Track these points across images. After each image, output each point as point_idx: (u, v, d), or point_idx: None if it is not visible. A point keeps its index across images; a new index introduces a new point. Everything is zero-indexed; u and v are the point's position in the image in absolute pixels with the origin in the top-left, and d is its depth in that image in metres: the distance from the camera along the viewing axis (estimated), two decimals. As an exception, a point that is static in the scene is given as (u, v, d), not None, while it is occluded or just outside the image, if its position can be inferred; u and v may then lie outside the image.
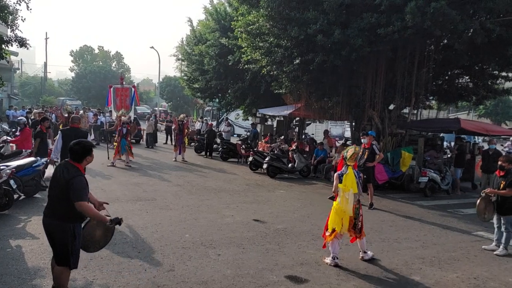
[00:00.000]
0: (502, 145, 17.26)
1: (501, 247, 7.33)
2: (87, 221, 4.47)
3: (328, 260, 6.39)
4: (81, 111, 23.11)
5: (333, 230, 6.33)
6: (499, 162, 7.53)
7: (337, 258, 6.33)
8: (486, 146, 13.63)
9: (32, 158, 9.57)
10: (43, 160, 9.77)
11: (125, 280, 5.31)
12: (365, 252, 6.65)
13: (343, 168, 6.57)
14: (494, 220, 7.53)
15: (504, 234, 7.34)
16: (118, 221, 4.40)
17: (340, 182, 6.42)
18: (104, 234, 4.70)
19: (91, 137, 19.72)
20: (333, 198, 6.67)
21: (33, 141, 10.77)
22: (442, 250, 7.33)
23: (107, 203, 4.93)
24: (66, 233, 4.29)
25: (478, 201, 7.61)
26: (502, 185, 7.32)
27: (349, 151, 6.58)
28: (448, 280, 5.99)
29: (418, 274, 6.13)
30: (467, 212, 10.41)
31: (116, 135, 15.63)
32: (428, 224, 9.15)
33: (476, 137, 19.10)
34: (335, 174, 6.71)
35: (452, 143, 17.55)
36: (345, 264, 6.35)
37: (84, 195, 4.27)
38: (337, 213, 6.36)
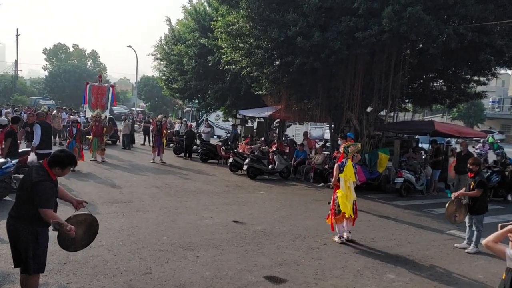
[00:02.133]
0: (474, 147, 17.75)
1: (472, 245, 7.60)
2: (66, 220, 4.31)
3: (336, 238, 7.62)
4: (55, 111, 22.54)
5: (339, 212, 7.47)
6: (468, 165, 7.81)
7: (343, 237, 7.56)
8: (459, 148, 14.02)
9: (1, 160, 9.17)
10: (13, 161, 9.38)
11: (100, 284, 5.22)
12: (350, 232, 7.70)
13: (343, 160, 7.66)
14: (466, 219, 7.79)
15: (475, 232, 7.61)
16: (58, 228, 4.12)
17: (341, 172, 7.49)
18: (87, 233, 4.61)
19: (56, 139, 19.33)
20: (329, 203, 7.77)
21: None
22: (417, 249, 7.54)
23: (86, 202, 4.82)
24: (28, 236, 4.15)
25: (447, 204, 7.78)
26: (471, 186, 7.59)
27: (352, 147, 7.73)
28: (422, 277, 6.17)
29: (393, 272, 6.29)
30: (440, 211, 10.66)
31: (91, 135, 15.61)
32: (404, 224, 9.38)
33: (449, 139, 19.57)
34: (336, 166, 7.77)
35: (425, 145, 18.01)
36: (323, 263, 6.46)
37: (48, 203, 4.11)
38: (345, 199, 7.38)
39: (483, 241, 3.40)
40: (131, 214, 8.59)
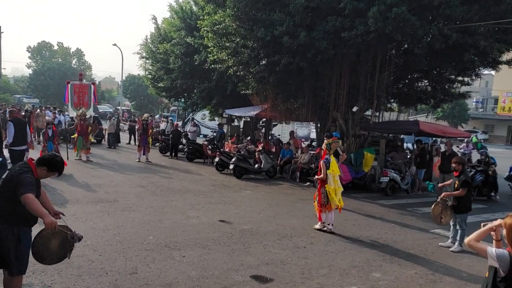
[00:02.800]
0: (458, 147, 18.01)
1: (456, 244, 7.69)
2: (41, 230, 4.16)
3: (330, 226, 8.26)
4: (38, 110, 22.18)
5: (326, 203, 8.18)
6: (452, 164, 7.90)
7: (333, 225, 8.25)
8: (443, 148, 14.22)
9: None
10: None
11: (85, 284, 5.16)
12: (332, 225, 8.29)
13: (327, 157, 8.29)
14: (451, 218, 7.88)
15: (459, 231, 7.70)
16: (76, 237, 4.21)
17: (328, 168, 8.16)
18: (62, 246, 4.36)
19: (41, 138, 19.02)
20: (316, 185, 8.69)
21: None
22: (402, 248, 7.59)
23: (63, 214, 4.61)
24: (10, 236, 4.06)
25: (433, 206, 7.85)
26: (456, 185, 7.68)
27: (333, 143, 8.46)
28: (407, 276, 6.22)
29: (379, 271, 6.33)
30: (425, 210, 10.79)
31: (76, 134, 15.47)
32: (389, 223, 9.45)
33: (434, 138, 19.83)
34: (322, 163, 8.33)
35: (410, 145, 18.20)
36: (309, 263, 6.46)
37: (30, 189, 3.96)
38: (334, 193, 8.13)
39: (465, 240, 3.43)
40: (116, 214, 8.51)
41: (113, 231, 7.31)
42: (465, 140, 19.42)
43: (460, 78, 14.81)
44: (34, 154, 12.82)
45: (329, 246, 7.37)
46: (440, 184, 8.88)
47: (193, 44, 18.93)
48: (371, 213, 10.29)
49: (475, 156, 16.07)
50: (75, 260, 5.79)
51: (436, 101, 15.70)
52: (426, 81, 15.25)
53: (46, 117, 11.74)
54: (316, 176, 8.68)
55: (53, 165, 4.28)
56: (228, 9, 12.91)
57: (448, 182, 8.31)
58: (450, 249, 7.66)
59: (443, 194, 7.84)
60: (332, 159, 8.29)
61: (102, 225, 7.60)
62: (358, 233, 8.36)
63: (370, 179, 13.50)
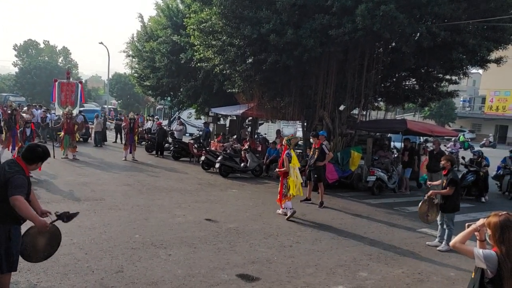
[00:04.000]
0: (445, 146, 18.13)
1: (443, 243, 7.65)
2: (28, 229, 4.20)
3: (280, 211, 9.25)
4: (25, 108, 21.84)
5: (286, 194, 9.06)
6: (441, 162, 7.87)
7: (292, 208, 8.99)
8: (431, 147, 14.25)
9: None
10: None
11: (71, 283, 5.11)
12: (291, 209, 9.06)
13: (287, 152, 9.16)
14: (438, 218, 7.85)
15: (446, 230, 7.67)
16: (68, 215, 4.30)
17: (290, 161, 9.03)
18: (49, 243, 4.44)
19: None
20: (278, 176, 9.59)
21: None
22: (389, 247, 7.54)
23: (50, 213, 4.61)
24: (1, 234, 4.05)
25: (420, 204, 7.84)
26: (444, 184, 7.66)
27: (293, 139, 9.57)
28: (394, 275, 6.17)
29: (366, 270, 6.27)
30: (412, 210, 10.77)
31: (63, 132, 15.38)
32: (376, 222, 9.41)
33: (425, 138, 19.92)
34: (284, 157, 9.15)
35: (397, 144, 18.25)
36: (296, 261, 6.38)
37: (21, 191, 4.00)
38: (294, 184, 8.98)
39: (450, 243, 3.36)
40: (102, 212, 8.45)
41: (100, 230, 7.25)
42: (453, 139, 19.56)
43: (447, 77, 14.82)
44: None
45: (316, 245, 7.30)
46: (428, 182, 8.89)
47: (179, 42, 18.81)
48: (357, 212, 10.24)
49: (467, 155, 16.14)
50: (61, 258, 5.73)
51: (424, 100, 15.73)
52: (413, 79, 15.28)
53: (25, 115, 11.33)
54: (277, 169, 9.71)
55: (42, 156, 4.32)
56: (214, 7, 12.80)
57: (437, 182, 8.29)
58: (437, 248, 7.62)
59: (430, 192, 7.81)
60: (293, 154, 9.26)
61: (88, 224, 7.53)
62: (345, 232, 8.30)
63: (357, 178, 13.47)
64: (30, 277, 5.17)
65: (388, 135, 17.04)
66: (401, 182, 13.71)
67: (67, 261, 5.72)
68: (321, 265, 6.34)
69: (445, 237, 7.66)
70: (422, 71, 14.30)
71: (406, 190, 13.77)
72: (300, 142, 18.03)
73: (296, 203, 10.63)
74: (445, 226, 7.71)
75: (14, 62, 66.38)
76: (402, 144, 14.41)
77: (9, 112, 14.99)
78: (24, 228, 4.21)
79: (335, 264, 6.40)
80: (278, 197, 9.38)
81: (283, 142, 9.73)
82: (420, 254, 7.26)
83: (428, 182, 8.88)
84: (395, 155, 15.21)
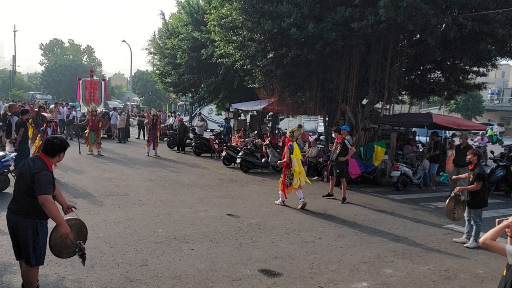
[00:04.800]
0: (472, 140, 17.62)
1: (471, 239, 7.43)
2: (55, 226, 4.28)
3: (300, 203, 9.41)
4: (52, 105, 22.38)
5: (290, 184, 9.43)
6: (467, 156, 7.63)
7: (304, 198, 9.41)
8: (458, 141, 13.85)
9: (0, 153, 9.42)
10: (12, 155, 9.71)
11: (97, 275, 5.20)
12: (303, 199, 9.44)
13: (290, 143, 9.50)
14: (465, 214, 7.62)
15: (474, 227, 7.44)
16: (81, 252, 4.42)
17: (291, 153, 9.38)
18: (76, 238, 4.53)
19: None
20: (281, 169, 9.85)
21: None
22: (414, 243, 7.37)
23: (75, 207, 4.74)
24: (28, 229, 4.18)
25: (447, 201, 7.65)
26: (471, 179, 7.42)
27: (296, 131, 9.95)
28: (420, 272, 6.02)
29: (390, 267, 6.14)
30: (438, 205, 10.56)
31: (88, 129, 15.82)
32: (400, 218, 9.22)
33: (452, 132, 19.37)
34: (286, 148, 9.50)
35: (422, 138, 17.83)
36: (318, 257, 6.30)
37: (48, 189, 4.12)
38: (299, 174, 9.38)
39: (480, 240, 3.23)
40: (127, 207, 8.59)
41: (124, 224, 7.37)
42: (480, 133, 19.00)
43: (475, 69, 14.32)
44: (72, 147, 12.91)
45: (338, 241, 7.19)
46: (454, 177, 8.65)
47: (200, 38, 18.87)
48: (381, 208, 10.06)
49: (496, 150, 15.65)
50: (87, 251, 5.77)
51: (450, 92, 15.27)
52: (439, 72, 14.85)
53: (47, 115, 11.52)
54: (279, 161, 10.20)
55: (59, 146, 4.38)
56: (235, 3, 12.78)
57: (463, 175, 8.06)
58: (465, 245, 7.40)
59: (457, 188, 7.59)
60: (295, 145, 9.56)
61: (113, 218, 7.67)
62: (368, 228, 8.16)
63: (380, 173, 13.23)
64: (58, 270, 5.28)
65: (413, 129, 16.67)
66: (430, 177, 13.39)
67: (93, 254, 5.82)
68: (344, 261, 6.24)
69: (473, 233, 7.44)
70: (448, 63, 13.89)
71: (432, 185, 13.47)
72: (321, 137, 17.91)
73: (318, 199, 10.61)
74: (472, 222, 7.49)
75: (40, 61, 68.10)
76: (428, 138, 14.07)
77: (36, 109, 15.41)
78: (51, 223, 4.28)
79: (358, 261, 6.29)
80: (281, 187, 9.65)
81: (287, 134, 10.11)
82: (447, 251, 7.07)
83: (453, 177, 8.61)
84: (420, 150, 14.87)
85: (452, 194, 7.61)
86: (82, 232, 4.66)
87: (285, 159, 9.55)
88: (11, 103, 16.34)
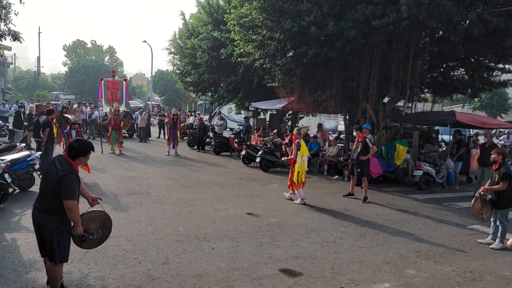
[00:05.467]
0: (497, 138, 17.19)
1: (497, 240, 7.24)
2: (80, 215, 4.38)
3: (297, 201, 9.66)
4: (75, 105, 22.89)
5: (296, 182, 9.55)
6: (492, 155, 7.44)
7: (304, 199, 9.61)
8: (482, 140, 13.54)
9: (26, 152, 9.66)
10: (37, 154, 9.92)
11: (120, 273, 5.28)
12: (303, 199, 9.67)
13: (297, 141, 9.71)
14: (491, 213, 7.44)
15: (500, 227, 7.26)
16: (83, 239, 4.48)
17: (299, 150, 9.60)
18: (100, 230, 4.62)
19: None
20: (289, 164, 10.20)
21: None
22: (437, 244, 7.24)
23: (100, 199, 4.85)
24: (53, 227, 4.28)
25: (473, 201, 7.48)
26: (496, 178, 7.24)
27: (303, 129, 10.18)
28: (444, 273, 5.91)
29: (413, 267, 6.04)
30: (462, 205, 10.35)
31: (110, 129, 16.12)
32: (423, 218, 9.07)
33: (476, 130, 18.94)
34: (294, 145, 9.72)
35: (445, 136, 17.49)
36: (340, 257, 6.26)
37: (75, 194, 4.23)
38: (303, 171, 9.59)
39: (508, 242, 3.14)
40: (148, 205, 8.71)
41: (146, 222, 7.46)
42: (506, 131, 18.50)
43: (500, 66, 13.94)
44: (95, 146, 13.07)
45: (360, 241, 7.13)
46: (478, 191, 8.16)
47: (219, 38, 18.98)
48: (404, 208, 9.92)
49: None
50: (110, 249, 5.97)
51: (474, 90, 14.89)
52: (462, 69, 14.50)
53: (71, 116, 11.78)
54: (285, 158, 10.54)
55: (84, 149, 4.43)
56: (254, 2, 12.79)
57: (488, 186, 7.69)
58: (490, 246, 7.22)
59: (481, 188, 7.42)
60: (302, 142, 9.81)
61: (135, 216, 7.78)
62: (390, 228, 8.05)
63: (402, 172, 13.04)
64: (81, 267, 5.38)
65: (436, 128, 16.36)
66: (455, 177, 13.14)
67: (116, 252, 5.93)
68: (366, 261, 6.18)
69: (499, 234, 7.25)
70: (472, 60, 13.55)
71: (456, 185, 13.20)
72: (342, 136, 17.76)
73: (339, 198, 10.55)
74: (498, 223, 7.30)
75: (63, 61, 69.43)
76: (451, 137, 13.77)
77: (60, 109, 15.78)
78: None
79: (381, 261, 6.22)
80: (289, 183, 9.89)
81: (294, 132, 10.30)
82: (472, 252, 6.92)
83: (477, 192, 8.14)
84: (443, 148, 14.59)
85: (477, 194, 7.43)
86: (106, 224, 4.71)
87: (292, 156, 9.80)
88: (37, 103, 16.78)
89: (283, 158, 10.43)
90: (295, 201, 9.77)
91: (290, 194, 9.99)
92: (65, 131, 11.93)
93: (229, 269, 5.60)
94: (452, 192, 12.48)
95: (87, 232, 4.47)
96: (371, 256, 6.41)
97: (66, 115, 12.36)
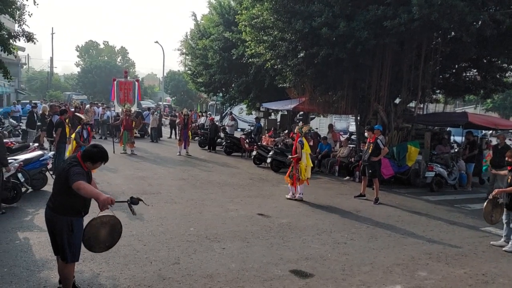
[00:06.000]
0: (510, 140, 16.98)
1: (510, 243, 7.18)
2: (91, 220, 4.42)
3: (295, 195, 10.10)
4: (87, 106, 23.18)
5: (297, 178, 9.99)
6: (506, 157, 7.38)
7: (302, 194, 10.07)
8: (495, 141, 13.40)
9: (39, 152, 9.79)
10: (50, 154, 10.09)
11: (131, 273, 5.33)
12: (301, 194, 10.10)
13: (300, 139, 10.06)
14: (503, 216, 7.38)
15: (513, 229, 7.20)
16: (135, 201, 4.60)
17: (302, 148, 9.97)
18: (110, 234, 4.62)
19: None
20: (291, 162, 10.32)
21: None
22: (449, 246, 7.21)
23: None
24: (63, 226, 4.32)
25: (485, 203, 7.45)
26: (509, 180, 7.18)
27: (304, 127, 10.52)
28: (456, 276, 5.88)
29: (425, 269, 6.03)
30: (475, 207, 10.26)
31: (122, 129, 16.27)
32: (435, 219, 9.02)
33: (484, 132, 18.77)
34: (298, 144, 10.02)
35: (457, 138, 17.33)
36: (351, 259, 6.27)
37: (78, 176, 4.11)
38: (305, 168, 9.98)
39: None
40: (159, 205, 8.76)
41: (157, 222, 7.52)
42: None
43: (513, 67, 13.84)
44: (107, 146, 13.24)
45: (371, 243, 7.12)
46: (493, 171, 8.35)
47: (231, 39, 19.06)
48: (415, 209, 9.87)
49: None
50: (121, 249, 6.01)
51: (486, 91, 14.76)
52: (475, 70, 14.38)
53: (83, 116, 11.84)
54: (290, 156, 10.60)
55: (94, 157, 4.41)
56: (266, 3, 12.83)
57: (503, 172, 7.78)
58: (503, 248, 7.16)
59: (495, 191, 7.36)
60: (304, 140, 10.16)
61: (146, 216, 7.83)
62: (402, 230, 8.02)
63: (414, 173, 12.95)
64: (93, 266, 5.45)
65: (448, 129, 16.22)
66: (468, 178, 13.04)
67: (127, 252, 5.99)
68: (377, 263, 6.18)
69: (512, 237, 7.19)
70: (485, 61, 13.44)
71: (468, 186, 13.09)
72: (353, 137, 17.71)
73: (350, 199, 10.53)
74: (511, 225, 7.24)
75: (76, 62, 70.09)
76: (464, 138, 13.65)
77: (72, 110, 16.00)
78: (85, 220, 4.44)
79: (392, 263, 6.21)
80: (291, 181, 10.20)
81: (295, 130, 10.65)
82: (484, 254, 6.87)
83: (493, 171, 8.32)
84: (455, 150, 14.46)
85: (490, 197, 7.38)
86: (116, 229, 4.70)
87: (297, 154, 10.05)
88: (51, 103, 17.05)
89: (289, 157, 10.67)
90: (295, 195, 10.19)
91: (293, 194, 10.22)
92: (77, 130, 12.04)
93: (239, 269, 5.63)
94: (464, 193, 12.39)
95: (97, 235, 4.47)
96: (382, 258, 6.40)
97: (78, 114, 12.51)
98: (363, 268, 5.95)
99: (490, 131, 18.46)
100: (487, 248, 7.22)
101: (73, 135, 10.78)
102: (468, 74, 14.67)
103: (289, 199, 10.08)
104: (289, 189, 10.31)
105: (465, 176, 13.16)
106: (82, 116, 11.49)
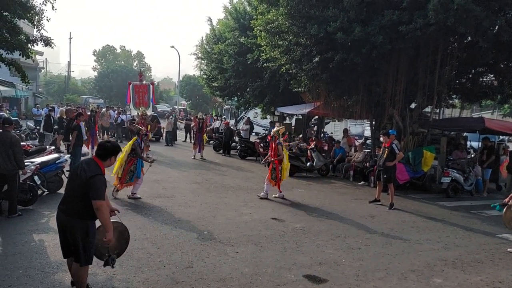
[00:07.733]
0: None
1: (527, 250, 7.09)
2: (98, 227, 4.47)
3: (277, 194, 10.52)
4: (104, 109, 23.55)
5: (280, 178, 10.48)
6: None
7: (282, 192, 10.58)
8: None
9: (55, 155, 9.93)
10: (66, 157, 10.18)
11: (144, 276, 5.36)
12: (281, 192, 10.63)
13: (279, 141, 10.51)
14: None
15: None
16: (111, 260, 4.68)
17: (283, 149, 10.50)
18: (118, 242, 4.70)
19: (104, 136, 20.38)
20: (269, 164, 10.68)
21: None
22: (465, 252, 7.14)
23: (118, 211, 4.96)
24: (79, 230, 4.33)
25: (504, 210, 7.35)
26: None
27: (281, 129, 11.10)
28: (472, 283, 5.82)
29: (440, 276, 5.98)
30: (491, 213, 10.12)
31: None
32: (451, 225, 8.93)
33: (501, 137, 18.46)
34: (276, 145, 10.44)
35: (474, 143, 17.10)
36: (365, 265, 6.25)
37: (103, 194, 4.28)
38: (287, 168, 10.61)
39: None
40: (173, 209, 8.81)
41: (170, 226, 7.57)
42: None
43: (531, 71, 13.61)
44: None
45: (386, 248, 7.09)
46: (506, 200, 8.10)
47: (246, 43, 19.16)
48: (431, 215, 9.78)
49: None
50: (135, 252, 6.08)
51: (504, 96, 14.52)
52: (492, 75, 14.19)
53: (142, 127, 11.88)
54: (270, 158, 10.64)
55: (111, 150, 4.56)
56: (281, 8, 12.90)
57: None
58: (520, 255, 7.09)
59: (509, 197, 7.26)
60: (282, 142, 10.76)
61: (160, 219, 7.91)
62: (417, 236, 7.97)
63: (429, 179, 12.84)
64: (106, 269, 5.38)
65: (464, 134, 16.04)
66: (484, 184, 12.88)
67: (141, 255, 6.03)
68: (392, 269, 6.15)
69: (530, 244, 7.09)
70: (502, 66, 13.25)
71: (484, 192, 12.91)
72: (368, 141, 17.61)
73: (365, 204, 10.48)
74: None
75: (93, 66, 71.20)
76: (480, 143, 13.48)
77: (89, 113, 16.27)
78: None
79: (407, 269, 6.17)
80: (275, 182, 10.47)
81: (272, 133, 11.03)
82: (501, 261, 6.78)
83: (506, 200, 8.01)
84: (472, 155, 14.28)
85: (510, 203, 7.28)
86: (123, 236, 4.79)
87: (280, 156, 10.41)
88: (67, 107, 17.36)
89: (270, 159, 10.67)
90: (274, 195, 10.55)
91: (266, 193, 10.47)
92: (135, 141, 11.52)
93: (252, 274, 5.63)
94: (480, 199, 12.22)
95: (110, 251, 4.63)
96: (397, 264, 6.37)
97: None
98: (377, 274, 5.93)
99: (507, 137, 18.13)
100: (504, 255, 7.12)
101: (126, 147, 9.67)
102: (484, 79, 14.48)
103: (263, 198, 10.35)
104: (265, 188, 10.52)
105: (481, 182, 12.98)
106: (141, 127, 10.45)
